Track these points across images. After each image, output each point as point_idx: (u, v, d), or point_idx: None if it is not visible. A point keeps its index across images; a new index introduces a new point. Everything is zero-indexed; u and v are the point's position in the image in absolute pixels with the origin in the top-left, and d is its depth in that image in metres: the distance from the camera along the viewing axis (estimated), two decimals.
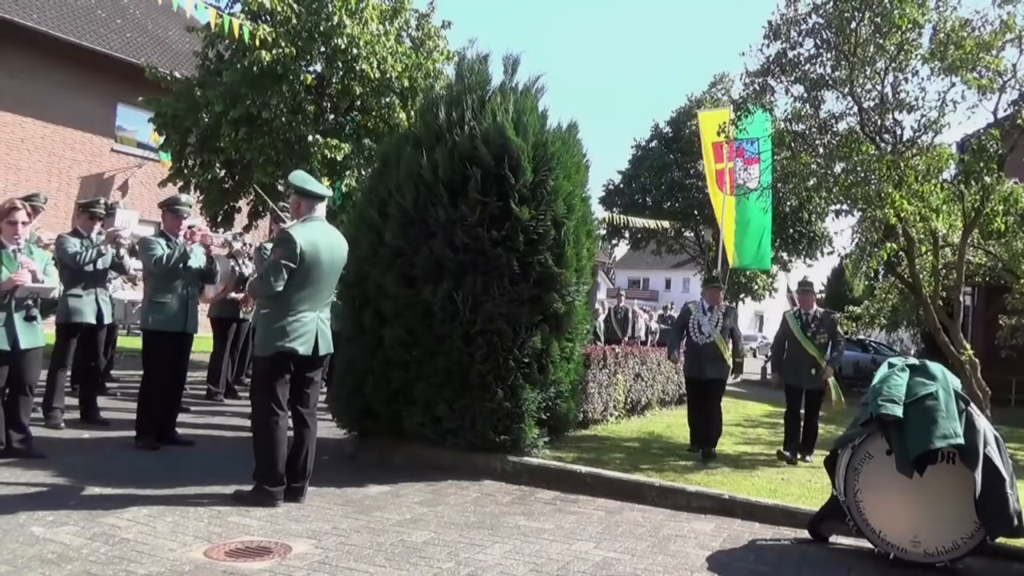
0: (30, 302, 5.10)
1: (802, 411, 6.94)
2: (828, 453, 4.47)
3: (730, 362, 6.95)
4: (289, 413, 4.50)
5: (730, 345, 6.99)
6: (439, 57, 11.89)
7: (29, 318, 5.09)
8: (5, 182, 15.25)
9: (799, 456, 6.77)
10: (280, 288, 4.31)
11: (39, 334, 5.20)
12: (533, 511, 4.66)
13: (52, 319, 5.90)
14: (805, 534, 4.42)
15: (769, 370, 9.41)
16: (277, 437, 4.38)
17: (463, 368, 5.53)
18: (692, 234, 28.65)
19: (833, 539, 4.38)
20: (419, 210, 5.69)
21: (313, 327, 4.46)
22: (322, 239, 4.50)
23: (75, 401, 6.62)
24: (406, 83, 11.17)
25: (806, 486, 5.50)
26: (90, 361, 6.62)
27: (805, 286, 7.27)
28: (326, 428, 6.08)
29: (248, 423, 4.69)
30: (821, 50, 7.54)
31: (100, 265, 6.41)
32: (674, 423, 8.26)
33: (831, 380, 6.84)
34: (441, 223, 5.60)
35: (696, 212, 26.21)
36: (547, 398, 5.76)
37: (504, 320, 5.54)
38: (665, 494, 5.06)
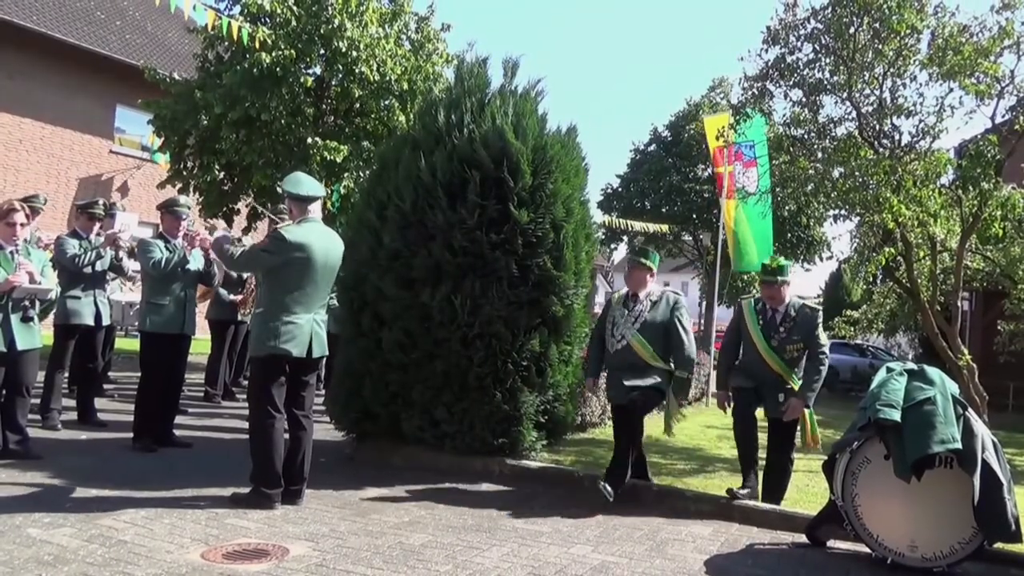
0: (27, 303, 5.09)
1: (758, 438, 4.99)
2: (826, 458, 4.47)
3: (658, 377, 4.99)
4: (285, 415, 4.50)
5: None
6: (438, 60, 11.91)
7: (26, 319, 5.09)
8: (3, 183, 15.24)
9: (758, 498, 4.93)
10: (239, 268, 4.42)
11: (36, 335, 5.19)
12: (531, 514, 4.65)
13: (50, 320, 5.90)
14: (803, 538, 4.42)
15: (714, 388, 5.79)
16: (273, 439, 4.37)
17: (461, 371, 5.53)
18: (691, 238, 28.66)
19: (831, 543, 4.38)
20: (418, 213, 5.70)
21: (307, 329, 4.46)
22: (317, 240, 4.49)
23: (73, 403, 6.60)
24: (405, 86, 11.18)
25: (804, 490, 5.50)
26: (88, 363, 6.61)
27: (771, 272, 5.07)
28: (324, 431, 6.08)
29: (245, 425, 4.68)
30: (820, 55, 7.55)
31: (99, 267, 6.41)
32: None
33: (807, 411, 4.91)
34: (440, 226, 5.60)
35: (695, 216, 26.21)
36: (545, 401, 5.76)
37: (503, 323, 5.54)
38: (662, 498, 5.06)
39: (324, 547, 3.73)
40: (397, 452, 5.77)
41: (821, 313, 5.06)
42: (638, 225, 21.20)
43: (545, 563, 3.73)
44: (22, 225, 5.21)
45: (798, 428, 5.02)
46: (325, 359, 4.83)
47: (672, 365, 5.12)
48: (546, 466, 5.53)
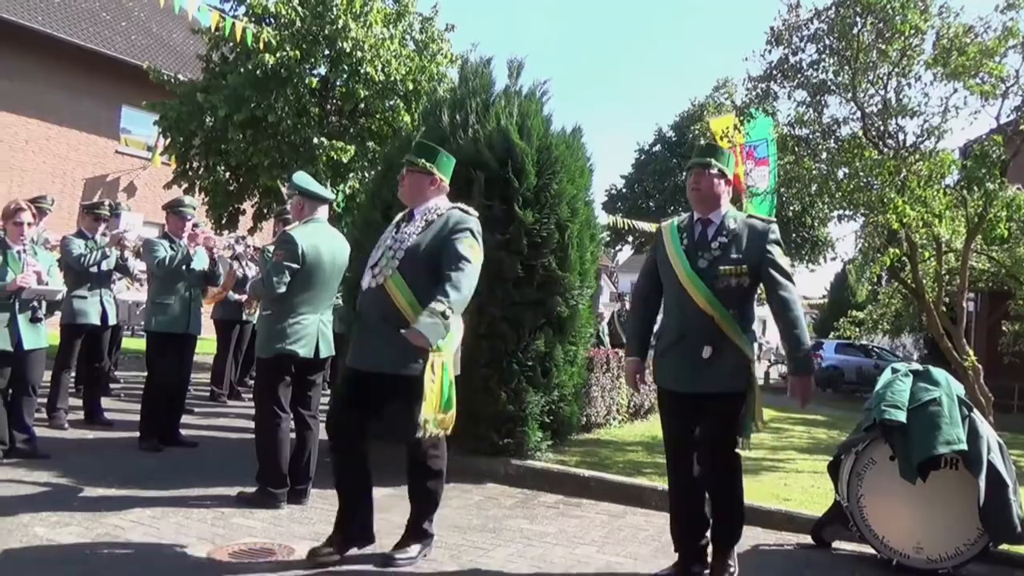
0: (35, 303, 5.12)
1: (694, 462, 3.53)
2: (831, 458, 4.47)
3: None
4: (291, 415, 4.51)
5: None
6: (443, 60, 11.93)
7: (34, 319, 5.12)
8: (10, 184, 15.29)
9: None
10: (282, 289, 4.31)
11: (43, 335, 5.22)
12: (536, 515, 4.66)
13: (56, 319, 5.92)
14: (808, 539, 4.42)
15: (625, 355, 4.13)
16: (280, 439, 4.39)
17: (465, 371, 5.52)
18: None
19: (836, 545, 4.38)
20: None
21: (314, 329, 4.47)
22: (324, 241, 4.50)
23: (79, 402, 6.63)
24: (410, 86, 11.20)
25: (808, 491, 5.50)
26: (94, 362, 6.64)
27: (702, 152, 3.69)
28: None
29: (251, 425, 4.69)
30: (823, 55, 7.56)
31: (104, 267, 6.44)
32: None
33: (756, 384, 3.49)
34: None
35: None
36: (550, 401, 5.76)
37: (507, 323, 5.55)
38: (667, 498, 5.04)
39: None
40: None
41: (776, 228, 3.50)
42: (643, 225, 21.21)
43: (550, 564, 3.73)
44: (29, 225, 5.24)
45: (742, 413, 3.43)
46: (331, 359, 4.84)
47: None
48: (551, 467, 5.54)
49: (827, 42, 7.46)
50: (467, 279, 3.42)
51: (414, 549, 3.59)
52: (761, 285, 3.52)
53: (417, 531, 3.63)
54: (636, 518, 4.71)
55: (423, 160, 3.69)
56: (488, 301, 5.50)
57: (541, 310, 5.66)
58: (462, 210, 3.65)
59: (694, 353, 3.38)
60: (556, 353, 5.74)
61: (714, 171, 3.51)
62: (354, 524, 3.60)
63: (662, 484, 5.25)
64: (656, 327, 3.74)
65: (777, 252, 3.44)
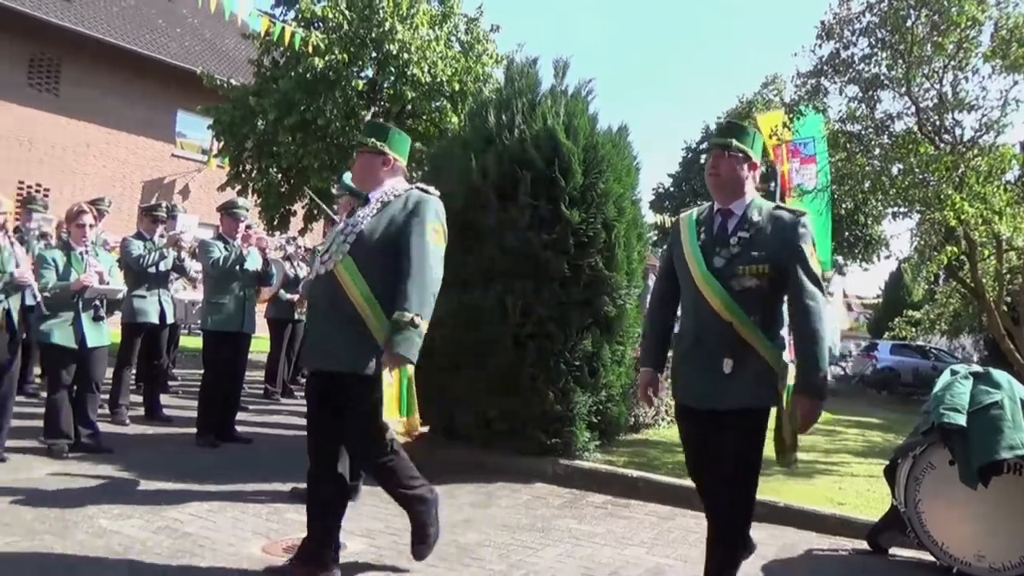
0: (97, 303, 5.31)
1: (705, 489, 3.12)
2: (888, 462, 4.37)
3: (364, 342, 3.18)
4: None
5: None
6: (488, 61, 11.99)
7: (96, 318, 5.30)
8: (73, 187, 15.84)
9: None
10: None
11: (105, 333, 5.40)
12: (584, 515, 4.66)
13: (117, 319, 6.12)
14: (864, 545, 4.33)
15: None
16: None
17: (513, 371, 5.56)
18: None
19: (893, 551, 4.28)
20: (469, 213, 5.74)
21: None
22: None
23: (139, 398, 6.85)
24: (456, 87, 11.28)
25: (864, 495, 5.38)
26: (153, 360, 6.85)
27: (723, 132, 3.20)
28: None
29: (303, 422, 4.78)
30: (876, 49, 7.39)
31: (162, 267, 6.64)
32: None
33: (784, 395, 2.95)
34: (491, 226, 5.64)
35: None
36: (598, 401, 5.75)
37: (554, 323, 5.55)
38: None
39: (380, 543, 3.79)
40: (450, 451, 5.82)
41: (808, 222, 2.96)
42: None
43: (599, 564, 3.73)
44: (91, 227, 5.44)
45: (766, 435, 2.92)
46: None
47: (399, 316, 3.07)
48: (599, 467, 5.52)
49: (880, 35, 7.29)
50: (430, 271, 3.14)
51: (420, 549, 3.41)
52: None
53: (419, 534, 3.43)
54: (686, 520, 4.67)
55: (372, 139, 3.41)
56: (535, 301, 5.52)
57: (588, 310, 5.65)
58: (422, 190, 3.33)
59: (713, 364, 2.90)
60: (603, 353, 5.73)
61: (736, 153, 3.00)
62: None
63: None
64: (676, 331, 3.27)
65: (807, 250, 2.90)
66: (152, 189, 17.52)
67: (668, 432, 7.69)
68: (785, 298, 2.96)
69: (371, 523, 4.12)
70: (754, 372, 2.88)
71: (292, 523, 4.00)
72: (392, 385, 3.05)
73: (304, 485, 4.43)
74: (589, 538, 4.14)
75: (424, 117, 11.71)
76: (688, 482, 5.18)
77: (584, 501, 4.99)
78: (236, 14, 11.28)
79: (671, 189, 28.66)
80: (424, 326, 3.11)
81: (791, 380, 2.92)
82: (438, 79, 11.18)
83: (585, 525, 4.40)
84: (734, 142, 3.03)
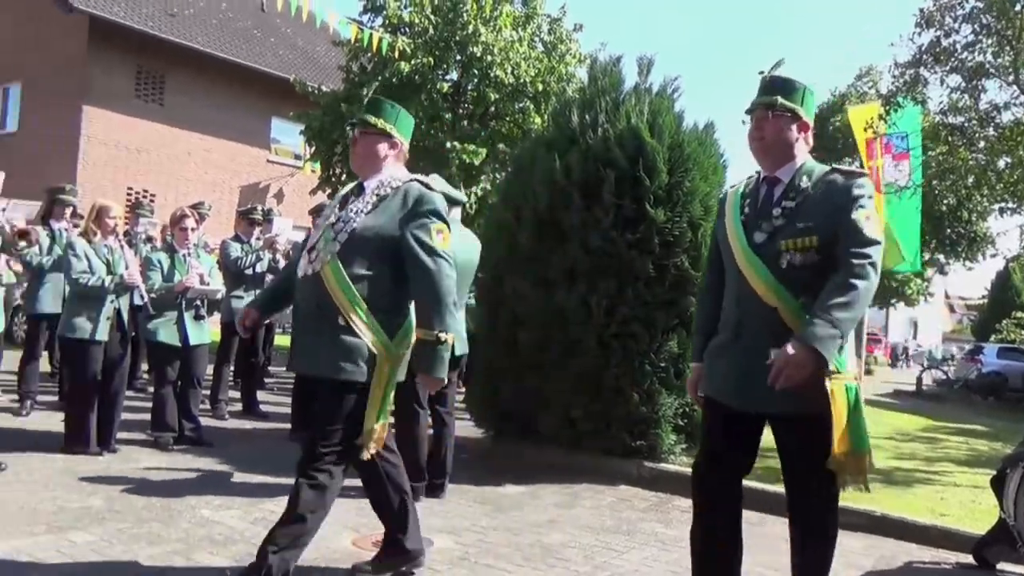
0: (199, 303, 5.58)
1: (728, 499, 2.84)
2: (995, 472, 4.13)
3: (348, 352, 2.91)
4: (428, 411, 4.67)
5: None
6: (571, 60, 11.97)
7: (198, 317, 5.57)
8: (176, 192, 16.70)
9: None
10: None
11: (206, 332, 5.68)
12: (671, 519, 4.59)
13: (217, 318, 6.42)
14: (968, 559, 4.11)
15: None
16: (418, 434, 4.55)
17: (598, 371, 5.53)
18: None
19: (1001, 566, 4.05)
20: (553, 213, 5.75)
21: None
22: (457, 242, 4.62)
23: (237, 394, 7.15)
24: (539, 87, 11.32)
25: (968, 507, 5.11)
26: (251, 357, 7.15)
27: (767, 90, 2.69)
28: (464, 428, 6.25)
29: (391, 420, 4.89)
30: (980, 36, 7.00)
31: (259, 268, 6.91)
32: None
33: (839, 384, 2.44)
34: (575, 226, 5.63)
35: None
36: (684, 404, 5.65)
37: (639, 323, 5.49)
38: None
39: (466, 541, 3.84)
40: (534, 450, 5.85)
41: (867, 184, 2.58)
42: None
43: (687, 569, 3.64)
44: (192, 230, 5.73)
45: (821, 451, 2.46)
46: (465, 357, 4.97)
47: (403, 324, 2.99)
48: (686, 470, 5.42)
49: (984, 21, 6.91)
50: (444, 280, 2.87)
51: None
52: None
53: (392, 547, 3.21)
54: (777, 527, 4.53)
55: (380, 119, 3.02)
56: (619, 301, 5.48)
57: (674, 310, 5.56)
58: (422, 183, 3.00)
59: (752, 358, 2.51)
60: (690, 354, 5.62)
61: (783, 112, 2.61)
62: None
63: None
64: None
65: (861, 216, 2.47)
66: (248, 193, 18.27)
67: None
68: None
69: (457, 521, 4.18)
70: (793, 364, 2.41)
71: None
72: (379, 389, 2.89)
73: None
74: (676, 543, 4.08)
75: (507, 118, 11.80)
76: (778, 488, 5.05)
77: (670, 505, 4.92)
78: (327, 22, 11.65)
79: None
80: (450, 340, 2.89)
81: (848, 376, 2.48)
82: (521, 80, 11.25)
83: (672, 529, 4.34)
84: (779, 99, 2.62)
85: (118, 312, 5.22)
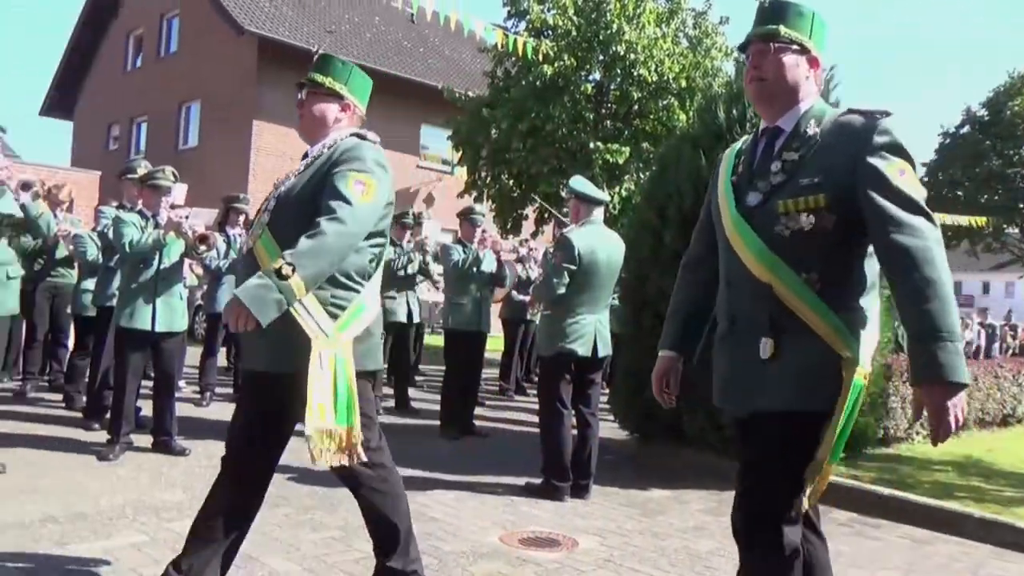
0: None
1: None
2: None
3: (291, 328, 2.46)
4: (572, 412, 4.69)
5: None
6: (717, 54, 11.65)
7: None
8: None
9: None
10: (562, 291, 4.51)
11: None
12: (827, 531, 4.30)
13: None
14: None
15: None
16: (562, 434, 4.59)
17: None
18: (1016, 230, 24.79)
19: None
20: (698, 211, 5.58)
21: (591, 329, 4.60)
22: (600, 243, 4.63)
23: (390, 391, 7.50)
24: (684, 84, 11.09)
25: None
26: (402, 356, 7.47)
27: (765, 16, 2.15)
28: (609, 429, 6.23)
29: (535, 419, 4.96)
30: None
31: (410, 270, 7.21)
32: (996, 447, 7.22)
33: (849, 398, 1.94)
34: None
35: (1022, 205, 22.66)
36: None
37: None
38: (988, 527, 4.44)
39: (611, 543, 3.83)
40: (680, 453, 5.73)
41: (889, 126, 1.96)
42: (948, 219, 18.89)
43: None
44: None
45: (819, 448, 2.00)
46: (609, 358, 4.95)
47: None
48: (843, 481, 5.14)
49: None
50: (341, 225, 2.35)
51: None
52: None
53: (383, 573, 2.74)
54: (948, 547, 4.21)
55: (329, 78, 2.70)
56: None
57: None
58: (357, 135, 2.68)
59: (746, 351, 2.05)
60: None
61: (787, 43, 2.09)
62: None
63: (979, 511, 4.64)
64: None
65: (883, 165, 1.91)
66: (399, 198, 19.06)
67: (924, 448, 6.97)
68: (868, 248, 2.01)
69: (602, 522, 4.17)
70: (803, 358, 1.98)
71: (526, 516, 4.17)
72: (320, 383, 2.39)
73: (537, 481, 4.64)
74: (833, 556, 3.82)
75: (651, 116, 11.63)
76: (951, 504, 4.67)
77: (826, 516, 4.63)
78: (473, 30, 11.97)
79: (925, 179, 25.90)
80: (298, 283, 2.26)
81: (862, 375, 1.97)
82: (665, 77, 11.06)
83: (828, 542, 4.11)
84: (782, 29, 2.10)
85: None
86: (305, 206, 2.47)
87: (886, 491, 4.94)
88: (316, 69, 2.72)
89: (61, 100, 25.15)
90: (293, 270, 2.24)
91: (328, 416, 2.41)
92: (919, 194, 1.91)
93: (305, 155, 2.67)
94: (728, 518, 1.99)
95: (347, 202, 2.40)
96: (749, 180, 2.12)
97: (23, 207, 4.22)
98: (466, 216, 6.70)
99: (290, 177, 2.62)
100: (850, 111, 2.04)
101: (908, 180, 1.91)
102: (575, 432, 4.68)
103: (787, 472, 2.00)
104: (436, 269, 7.85)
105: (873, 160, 1.92)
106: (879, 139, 1.94)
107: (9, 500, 3.76)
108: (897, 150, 1.93)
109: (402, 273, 7.14)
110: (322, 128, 2.69)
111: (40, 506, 3.66)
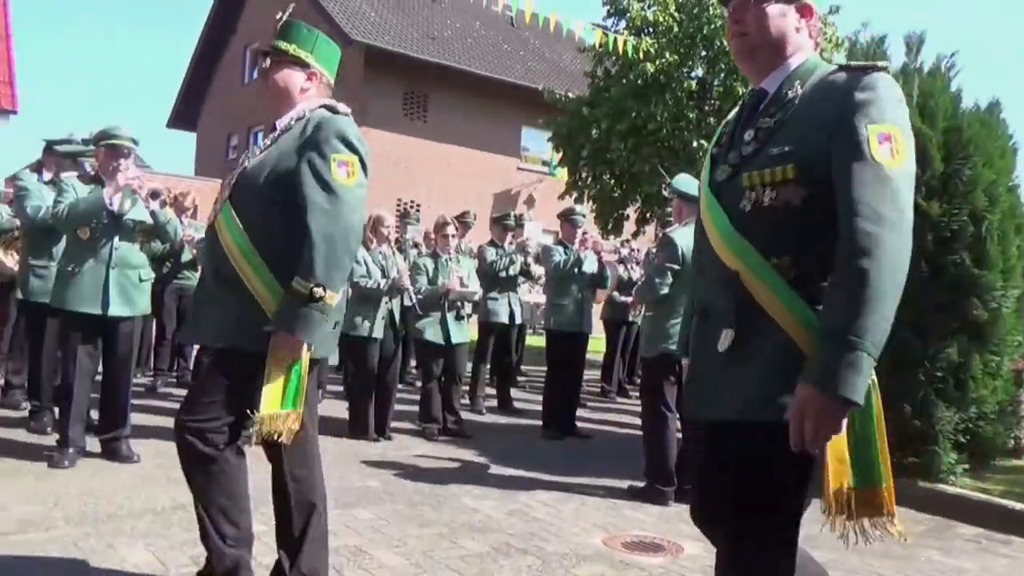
0: (459, 304, 6.02)
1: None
2: None
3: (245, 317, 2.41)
4: (677, 415, 4.62)
5: None
6: (827, 45, 11.20)
7: (459, 318, 6.02)
8: (439, 201, 18.13)
9: None
10: (665, 291, 4.46)
11: (466, 331, 6.12)
12: (952, 547, 4.12)
13: (474, 318, 6.88)
14: None
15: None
16: (667, 438, 4.53)
17: None
18: None
19: None
20: None
21: None
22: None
23: (493, 391, 7.61)
24: None
25: None
26: (505, 357, 7.57)
27: None
28: None
29: (638, 421, 4.92)
30: None
31: (512, 271, 7.29)
32: None
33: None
34: None
35: None
36: (966, 419, 5.04)
37: (909, 329, 4.99)
38: None
39: (715, 550, 3.75)
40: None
41: (880, 81, 1.63)
42: None
43: None
44: (453, 236, 6.20)
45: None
46: None
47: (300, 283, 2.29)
48: (969, 494, 4.84)
49: None
50: (340, 221, 2.29)
51: None
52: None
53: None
54: None
55: (293, 44, 2.54)
56: None
57: (952, 314, 4.99)
58: (329, 108, 2.48)
59: (710, 346, 1.75)
60: (973, 363, 5.01)
61: None
62: None
63: None
64: None
65: (863, 130, 1.59)
66: (501, 200, 19.30)
67: None
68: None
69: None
70: (766, 356, 1.66)
71: (629, 519, 4.14)
72: (279, 366, 2.30)
73: (640, 484, 4.60)
74: (959, 574, 3.67)
75: None
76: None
77: (950, 531, 4.42)
78: (572, 30, 11.97)
79: None
80: (331, 298, 2.28)
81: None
82: None
83: (952, 559, 3.90)
84: None
85: (391, 312, 5.81)
86: (271, 183, 2.39)
87: (1018, 506, 4.62)
88: (280, 36, 2.59)
89: (186, 112, 26.85)
90: (323, 290, 2.25)
91: (278, 401, 2.31)
92: (900, 169, 1.60)
93: (274, 127, 2.55)
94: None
95: (335, 192, 2.31)
96: (726, 151, 1.84)
97: (152, 214, 4.51)
98: (567, 217, 6.72)
99: (255, 151, 2.52)
100: (840, 68, 1.72)
101: (890, 149, 1.59)
102: (680, 435, 4.62)
103: (762, 487, 1.72)
104: (537, 270, 7.91)
105: (855, 118, 1.60)
106: (860, 96, 1.61)
107: (143, 488, 4.06)
108: (882, 110, 1.61)
109: (504, 274, 7.23)
110: (287, 98, 2.55)
111: (171, 494, 3.92)
